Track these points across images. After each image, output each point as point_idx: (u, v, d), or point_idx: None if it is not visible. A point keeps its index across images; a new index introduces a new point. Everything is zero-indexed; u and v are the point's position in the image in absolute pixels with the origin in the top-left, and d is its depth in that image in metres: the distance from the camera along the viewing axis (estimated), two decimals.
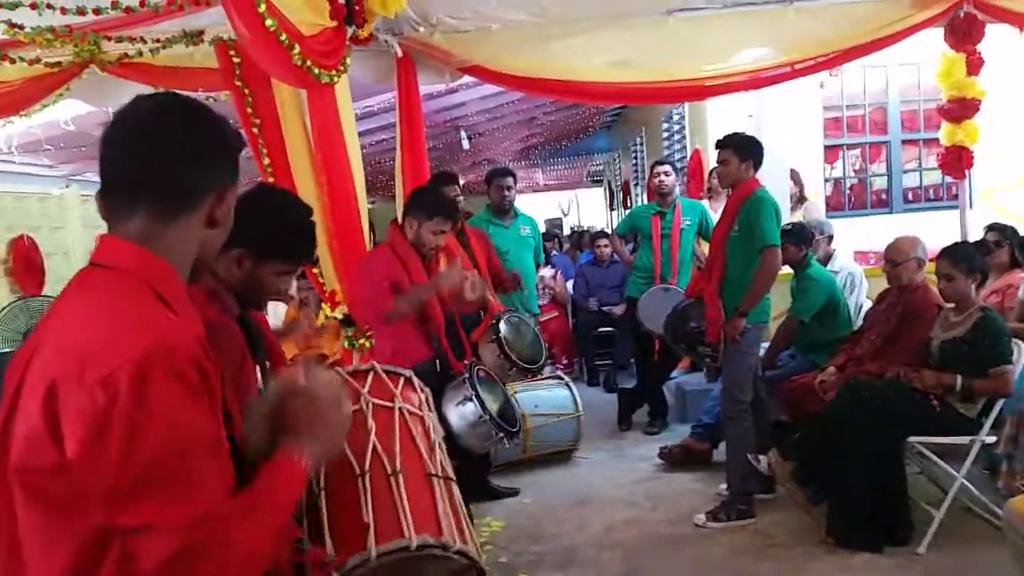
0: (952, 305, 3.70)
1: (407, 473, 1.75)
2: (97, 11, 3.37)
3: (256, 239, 1.83)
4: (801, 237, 4.58)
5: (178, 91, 1.28)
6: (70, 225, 7.36)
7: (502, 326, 3.85)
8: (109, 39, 3.87)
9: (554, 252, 9.39)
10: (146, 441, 1.01)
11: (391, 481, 1.72)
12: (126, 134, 1.18)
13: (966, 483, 3.53)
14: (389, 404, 1.85)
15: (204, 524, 1.04)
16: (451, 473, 1.90)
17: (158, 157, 1.16)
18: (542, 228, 6.12)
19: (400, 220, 3.62)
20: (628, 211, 5.98)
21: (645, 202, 9.44)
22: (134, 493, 1.01)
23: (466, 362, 3.38)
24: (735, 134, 4.05)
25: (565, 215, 21.41)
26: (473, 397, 3.13)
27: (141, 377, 1.01)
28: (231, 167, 1.25)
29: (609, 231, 10.76)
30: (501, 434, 3.17)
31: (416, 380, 2.03)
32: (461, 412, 3.15)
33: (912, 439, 3.53)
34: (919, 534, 3.49)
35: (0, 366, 4.37)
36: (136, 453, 1.00)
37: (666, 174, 5.53)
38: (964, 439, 3.50)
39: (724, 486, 4.14)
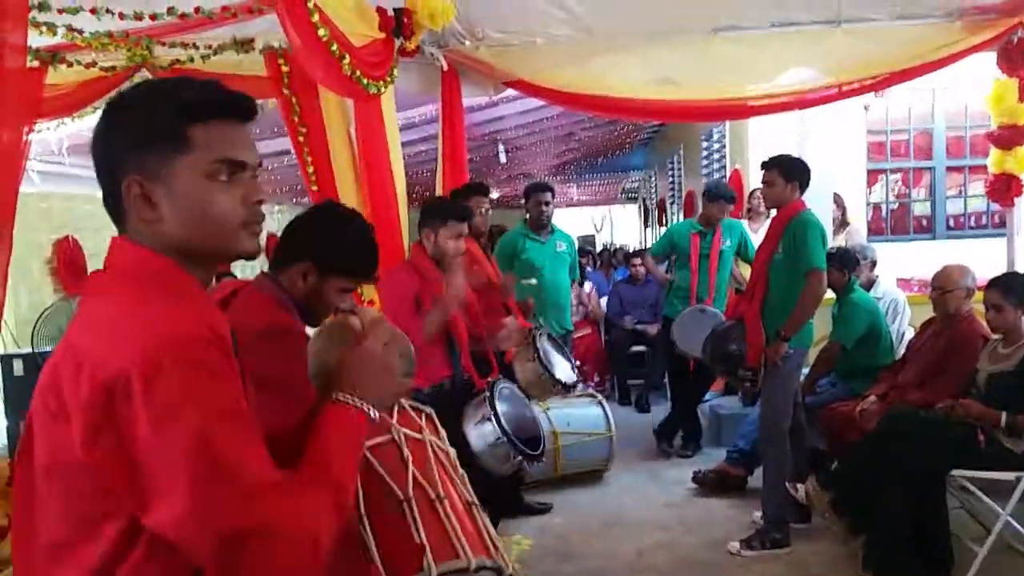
0: (1000, 336, 3.62)
1: (450, 500, 1.73)
2: (154, 16, 3.42)
3: (321, 254, 1.85)
4: (845, 261, 4.52)
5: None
6: (112, 227, 7.47)
7: (541, 342, 3.82)
8: (162, 44, 3.93)
9: (588, 269, 9.36)
10: (168, 434, 0.98)
11: (436, 506, 1.69)
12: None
13: (1011, 520, 3.43)
14: (419, 436, 1.83)
15: (252, 503, 1.00)
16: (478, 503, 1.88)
17: (98, 150, 1.14)
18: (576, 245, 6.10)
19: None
20: (665, 228, 5.90)
21: (681, 219, 9.43)
22: (163, 488, 0.98)
23: (489, 380, 3.31)
24: (781, 155, 4.02)
25: (598, 231, 21.36)
26: (491, 417, 3.00)
27: (152, 371, 0.98)
28: (140, 148, 1.10)
29: (642, 248, 10.75)
30: (520, 456, 3.03)
31: (435, 417, 2.00)
32: (480, 432, 3.03)
33: (955, 472, 3.44)
34: (960, 571, 3.39)
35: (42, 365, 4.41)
36: (160, 448, 0.98)
37: (727, 212, 5.46)
38: (1010, 475, 3.40)
39: (759, 513, 4.07)
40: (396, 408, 1.88)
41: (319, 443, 1.15)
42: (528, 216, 5.24)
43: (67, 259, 6.61)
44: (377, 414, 1.24)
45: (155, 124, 1.10)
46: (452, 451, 1.96)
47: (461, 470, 1.92)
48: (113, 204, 1.15)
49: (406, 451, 1.77)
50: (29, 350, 5.12)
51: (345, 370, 1.26)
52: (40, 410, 1.07)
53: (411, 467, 1.73)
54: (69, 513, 1.05)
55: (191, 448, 0.98)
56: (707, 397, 6.02)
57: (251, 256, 1.18)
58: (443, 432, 2.00)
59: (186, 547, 0.99)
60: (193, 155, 1.10)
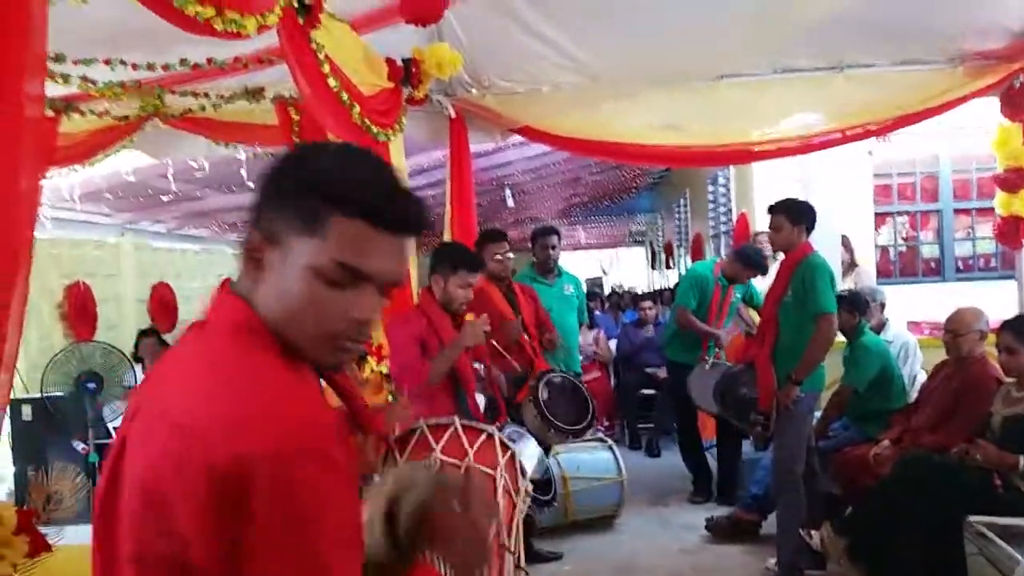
0: (1014, 380, 3.58)
1: None
2: (166, 67, 3.49)
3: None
4: (855, 304, 4.50)
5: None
6: (124, 273, 7.53)
7: (541, 387, 3.80)
8: (174, 93, 4.00)
9: (597, 312, 9.35)
10: (284, 545, 0.84)
11: None
12: None
13: None
14: (458, 462, 1.82)
15: None
16: (510, 544, 1.85)
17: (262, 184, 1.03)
18: (584, 287, 6.10)
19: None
20: (685, 275, 5.80)
21: (689, 264, 9.43)
22: None
23: (498, 424, 3.26)
24: (787, 199, 4.03)
25: (605, 274, 21.40)
26: None
27: (281, 467, 0.83)
28: (283, 210, 0.97)
29: (654, 291, 10.75)
30: (528, 498, 3.00)
31: (499, 436, 1.99)
32: None
33: (972, 518, 3.38)
34: None
35: (59, 410, 4.40)
36: (271, 557, 0.83)
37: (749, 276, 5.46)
38: None
39: (773, 560, 4.01)
40: (450, 429, 1.88)
41: None
42: (535, 259, 5.25)
43: (78, 304, 6.63)
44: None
45: (302, 192, 0.97)
46: (506, 475, 1.94)
47: (500, 497, 1.89)
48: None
49: None
50: (38, 395, 5.12)
51: (446, 535, 1.07)
52: (124, 489, 0.90)
53: None
54: None
55: (306, 564, 0.84)
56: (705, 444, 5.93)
57: (326, 369, 1.07)
58: (508, 453, 1.98)
59: None
60: (321, 243, 0.95)
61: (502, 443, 1.98)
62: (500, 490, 1.90)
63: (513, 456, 1.99)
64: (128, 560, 0.88)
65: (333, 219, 0.95)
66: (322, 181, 0.97)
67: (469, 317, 3.40)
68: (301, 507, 0.84)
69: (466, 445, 1.93)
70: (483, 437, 1.98)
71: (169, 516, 0.85)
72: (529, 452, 3.49)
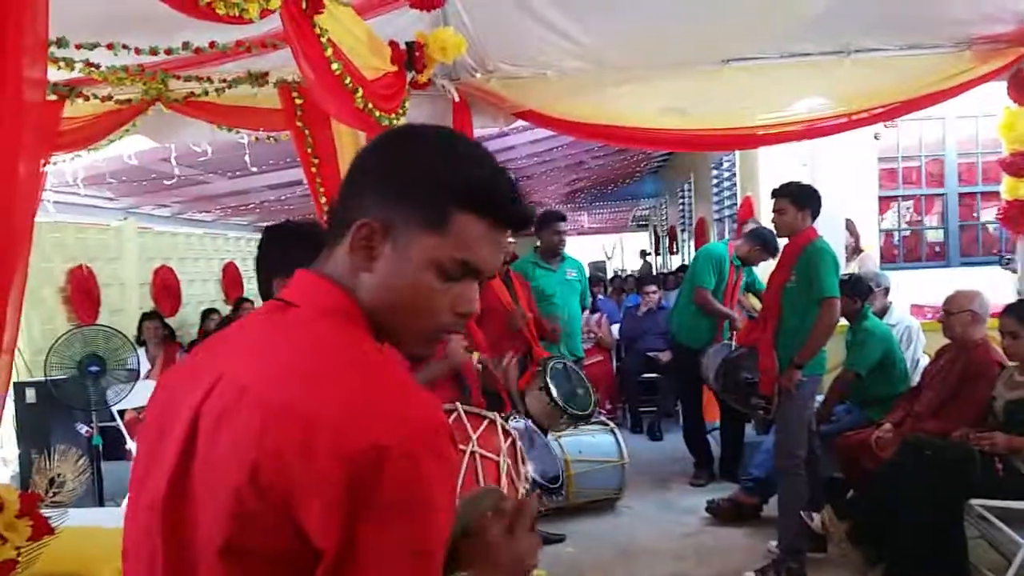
0: (1017, 364, 3.58)
1: None
2: (168, 51, 3.47)
3: (280, 268, 1.83)
4: (858, 289, 4.50)
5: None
6: (127, 256, 7.53)
7: (550, 373, 3.81)
8: (177, 78, 3.98)
9: (600, 296, 9.36)
10: (400, 538, 0.83)
11: None
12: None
13: None
14: (463, 447, 1.83)
15: None
16: None
17: (363, 168, 1.02)
18: (587, 272, 6.10)
19: None
20: (701, 255, 5.70)
21: (693, 249, 9.42)
22: None
23: (503, 414, 3.27)
24: (792, 183, 4.02)
25: (608, 259, 21.39)
26: None
27: (414, 454, 0.83)
28: (404, 202, 0.96)
29: (659, 274, 10.73)
30: (536, 488, 2.99)
31: (501, 422, 2.00)
32: None
33: (974, 502, 3.40)
34: None
35: (62, 393, 4.41)
36: (386, 549, 0.82)
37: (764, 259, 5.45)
38: None
39: (775, 543, 4.02)
40: (452, 415, 1.89)
41: None
42: (541, 244, 5.22)
43: (81, 288, 6.64)
44: None
45: (429, 190, 0.96)
46: (508, 461, 1.95)
47: (505, 481, 1.90)
48: (330, 230, 1.01)
49: None
50: (42, 378, 5.15)
51: (486, 556, 1.05)
52: (217, 478, 0.87)
53: None
54: None
55: (406, 563, 0.83)
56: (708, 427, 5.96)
57: (413, 359, 1.08)
58: (510, 438, 1.99)
59: None
60: (441, 240, 0.96)
61: (503, 429, 1.99)
62: (504, 475, 1.91)
63: (515, 442, 2.00)
64: (218, 552, 0.85)
65: (459, 217, 0.96)
66: (451, 180, 0.97)
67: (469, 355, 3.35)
68: (424, 497, 0.84)
69: (469, 430, 1.94)
70: (485, 423, 1.99)
71: (291, 509, 0.82)
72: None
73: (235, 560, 0.85)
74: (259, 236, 2.15)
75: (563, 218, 5.34)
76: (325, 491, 0.81)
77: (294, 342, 0.94)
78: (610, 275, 15.59)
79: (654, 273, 13.68)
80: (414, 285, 0.97)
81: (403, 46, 3.81)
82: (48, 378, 4.91)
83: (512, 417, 3.24)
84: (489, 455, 1.91)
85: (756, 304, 5.60)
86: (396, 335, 1.00)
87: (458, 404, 2.01)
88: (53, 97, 3.84)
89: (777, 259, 4.19)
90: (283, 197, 8.50)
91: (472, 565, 1.03)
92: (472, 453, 1.87)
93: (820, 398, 4.44)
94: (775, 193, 3.99)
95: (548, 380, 3.75)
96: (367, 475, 0.81)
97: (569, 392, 3.87)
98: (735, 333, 5.27)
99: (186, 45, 3.45)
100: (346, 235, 0.98)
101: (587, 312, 7.04)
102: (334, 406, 0.84)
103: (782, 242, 4.12)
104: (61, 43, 3.11)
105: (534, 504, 1.13)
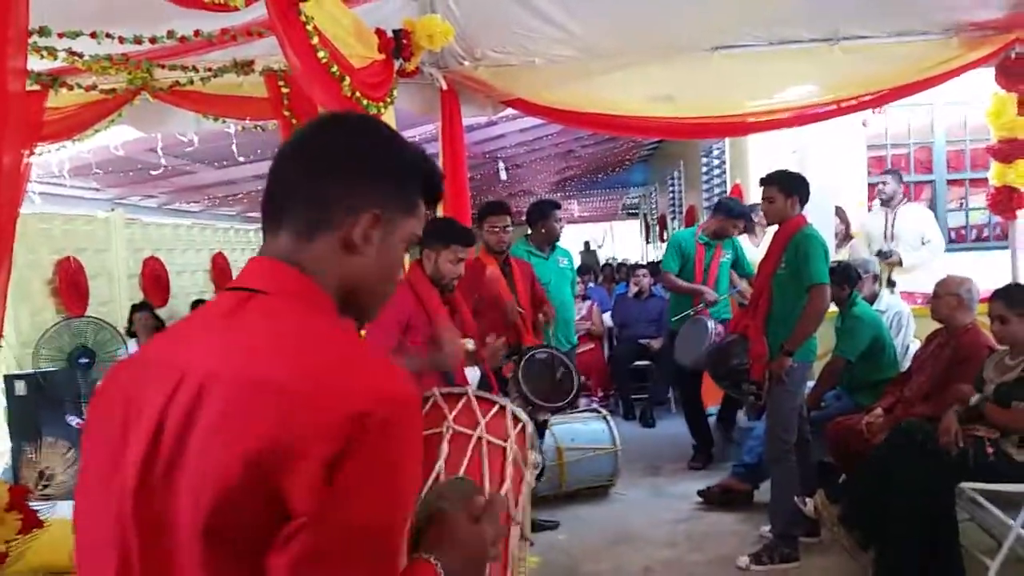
0: (1006, 348, 3.60)
1: None
2: (153, 40, 3.43)
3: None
4: (847, 276, 4.51)
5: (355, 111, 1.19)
6: (114, 247, 7.48)
7: (524, 365, 3.81)
8: (162, 67, 3.94)
9: (591, 284, 9.36)
10: (369, 500, 0.86)
11: None
12: (289, 150, 1.12)
13: (1023, 532, 3.40)
14: (470, 432, 1.84)
15: None
16: (518, 517, 1.87)
17: (300, 167, 1.08)
18: (576, 260, 6.11)
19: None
20: (666, 242, 5.88)
21: (680, 230, 9.43)
22: (332, 560, 0.85)
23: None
24: (780, 171, 4.02)
25: (599, 247, 21.40)
26: None
27: (391, 418, 0.88)
28: (391, 191, 1.10)
29: (649, 262, 10.75)
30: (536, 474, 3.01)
31: (512, 409, 2.01)
32: None
33: (965, 485, 3.42)
34: None
35: (52, 385, 4.40)
36: (355, 509, 0.85)
37: (737, 229, 5.53)
38: (1020, 487, 3.38)
39: (767, 528, 4.05)
40: (463, 400, 1.90)
41: None
42: (539, 232, 5.13)
43: (69, 280, 6.60)
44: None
45: (408, 178, 1.13)
46: (516, 447, 1.95)
47: (510, 469, 1.90)
48: (290, 215, 1.07)
49: (445, 447, 1.78)
50: (31, 370, 5.12)
51: (451, 540, 1.09)
52: (205, 460, 0.89)
53: (439, 464, 1.73)
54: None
55: (370, 524, 0.87)
56: (709, 411, 5.99)
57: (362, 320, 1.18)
58: (519, 425, 2.00)
59: None
60: (416, 221, 1.15)
61: (514, 415, 2.00)
62: (510, 462, 1.91)
63: (524, 428, 2.01)
64: (201, 535, 0.87)
65: (419, 200, 1.15)
66: (416, 170, 1.14)
67: (468, 343, 3.35)
68: (396, 462, 0.89)
69: (479, 415, 1.94)
70: (496, 408, 2.00)
71: (275, 479, 0.85)
72: None
73: (216, 542, 0.87)
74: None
75: (559, 206, 5.34)
76: (308, 458, 0.84)
77: (268, 325, 0.98)
78: (601, 264, 15.59)
79: (600, 263, 13.91)
80: (398, 262, 1.14)
81: (390, 34, 3.78)
82: (38, 371, 4.90)
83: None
84: (496, 441, 1.92)
85: (749, 289, 5.62)
86: (367, 307, 1.13)
87: (469, 389, 2.02)
88: (36, 87, 3.80)
89: (767, 239, 4.18)
90: None
91: (435, 548, 1.06)
92: (479, 439, 1.87)
93: (810, 384, 4.46)
94: (763, 181, 3.99)
95: (519, 373, 3.74)
96: (346, 442, 0.85)
97: (546, 383, 3.85)
98: (701, 307, 5.29)
99: (171, 33, 3.41)
100: (332, 223, 1.05)
101: (578, 300, 7.05)
102: (311, 378, 0.89)
103: (771, 229, 4.12)
104: (43, 31, 3.08)
105: (503, 502, 1.19)
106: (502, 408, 2.02)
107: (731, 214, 5.46)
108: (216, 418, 0.89)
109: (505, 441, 1.92)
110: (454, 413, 1.90)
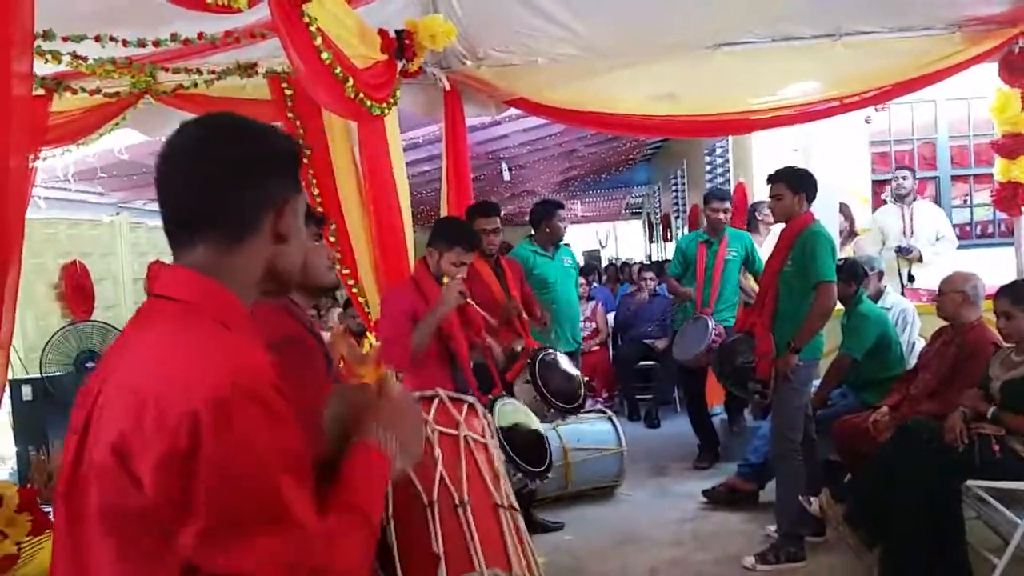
0: (1012, 344, 3.59)
1: (474, 503, 1.75)
2: (156, 43, 3.44)
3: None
4: (852, 273, 4.49)
5: (220, 112, 1.23)
6: (120, 251, 7.51)
7: (538, 365, 3.80)
8: (166, 70, 3.95)
9: (595, 284, 9.36)
10: (235, 478, 0.98)
11: (458, 512, 1.70)
12: (174, 163, 1.15)
13: None
14: (454, 432, 1.85)
15: (301, 555, 1.01)
16: (515, 503, 1.88)
17: (207, 185, 1.13)
18: (580, 260, 6.11)
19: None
20: (673, 242, 5.94)
21: (686, 232, 9.43)
22: (227, 534, 0.97)
23: (490, 396, 3.26)
24: (787, 168, 4.01)
25: (603, 247, 21.38)
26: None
27: (222, 411, 0.97)
28: (287, 177, 1.21)
29: (656, 262, 10.74)
30: (520, 473, 2.93)
31: (479, 407, 2.02)
32: None
33: (971, 483, 3.41)
34: None
35: (58, 389, 4.41)
36: (226, 491, 0.97)
37: (724, 211, 5.52)
38: None
39: (773, 527, 4.04)
40: (435, 401, 1.92)
41: (352, 484, 1.20)
42: (543, 232, 5.11)
43: (74, 284, 6.62)
44: (399, 463, 1.29)
45: (292, 161, 1.23)
46: (491, 442, 1.96)
47: (500, 464, 1.92)
48: (205, 229, 1.15)
49: (437, 450, 1.79)
50: (38, 375, 5.13)
51: (375, 417, 1.29)
52: (94, 453, 1.03)
53: (439, 467, 1.74)
54: (127, 557, 1.01)
55: (251, 496, 0.99)
56: (715, 411, 5.98)
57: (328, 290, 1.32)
58: (486, 421, 2.02)
59: None
60: (303, 194, 1.25)
61: (480, 412, 2.01)
62: (495, 459, 1.92)
63: (489, 423, 2.03)
64: (95, 515, 1.01)
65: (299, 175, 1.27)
66: (293, 148, 1.26)
67: (444, 280, 3.38)
68: (242, 440, 0.98)
69: (455, 414, 1.95)
70: (466, 407, 2.00)
71: (133, 469, 0.98)
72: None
73: (111, 522, 1.00)
74: None
75: (563, 206, 5.34)
76: (152, 453, 0.97)
77: (154, 337, 1.09)
78: (604, 263, 15.58)
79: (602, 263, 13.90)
80: (304, 236, 1.27)
81: (393, 34, 3.78)
82: (44, 375, 4.90)
83: (502, 398, 3.23)
84: (479, 438, 1.93)
85: (757, 287, 5.61)
86: (289, 280, 1.25)
87: (439, 390, 2.01)
88: (40, 91, 3.81)
89: (776, 239, 4.15)
90: None
91: (380, 430, 1.25)
92: (464, 437, 1.88)
93: (816, 382, 4.45)
94: (771, 178, 3.97)
95: (535, 373, 3.74)
96: (187, 437, 0.96)
97: (558, 384, 3.86)
98: (707, 310, 5.35)
99: (174, 36, 3.42)
100: (258, 225, 1.15)
101: (582, 300, 7.04)
102: (162, 381, 1.01)
103: (778, 227, 4.11)
104: (48, 35, 3.08)
105: (394, 380, 1.38)
106: (471, 406, 2.04)
107: (705, 201, 5.57)
108: (105, 418, 1.03)
109: (484, 437, 1.94)
110: (432, 414, 1.91)
